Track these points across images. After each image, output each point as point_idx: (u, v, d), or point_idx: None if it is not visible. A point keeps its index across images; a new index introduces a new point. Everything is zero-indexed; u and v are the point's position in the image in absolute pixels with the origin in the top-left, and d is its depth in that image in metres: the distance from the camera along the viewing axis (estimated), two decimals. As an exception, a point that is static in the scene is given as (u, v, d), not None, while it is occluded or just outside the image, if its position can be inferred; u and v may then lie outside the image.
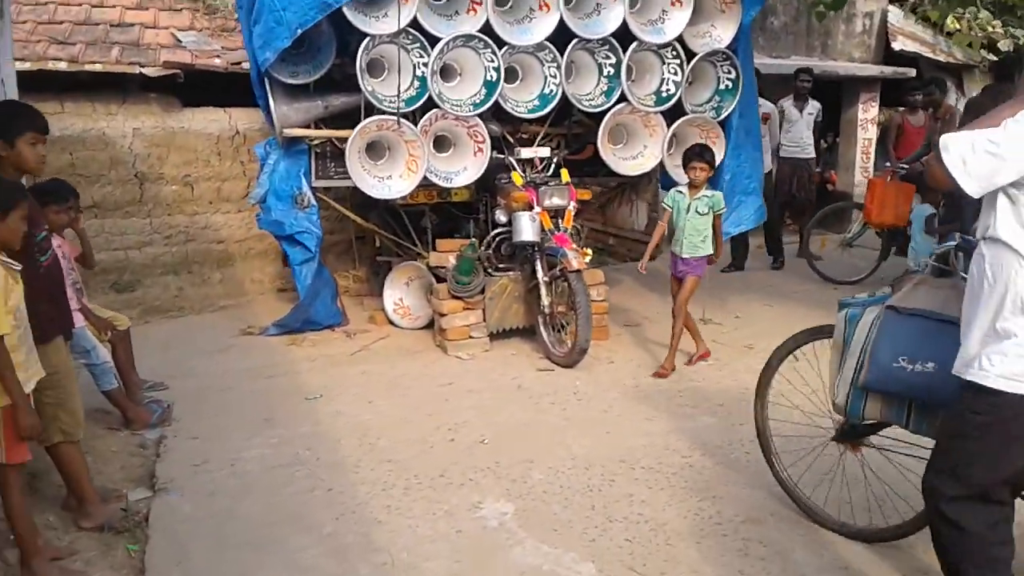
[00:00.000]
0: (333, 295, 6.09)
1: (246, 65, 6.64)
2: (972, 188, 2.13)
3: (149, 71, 6.65)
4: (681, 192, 5.07)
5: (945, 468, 2.33)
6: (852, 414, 2.85)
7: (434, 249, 5.93)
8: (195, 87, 6.94)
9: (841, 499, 3.20)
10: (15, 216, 2.68)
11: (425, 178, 5.45)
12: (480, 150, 5.54)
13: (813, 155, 8.23)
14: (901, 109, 8.35)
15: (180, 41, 7.19)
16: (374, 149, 5.52)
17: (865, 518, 3.12)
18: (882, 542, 3.03)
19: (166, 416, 4.30)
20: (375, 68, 5.32)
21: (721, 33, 5.77)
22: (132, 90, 6.84)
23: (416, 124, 5.31)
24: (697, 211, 4.97)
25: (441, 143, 5.66)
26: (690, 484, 3.58)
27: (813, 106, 8.06)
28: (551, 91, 5.53)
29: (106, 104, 6.78)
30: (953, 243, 2.67)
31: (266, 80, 5.37)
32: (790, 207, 8.41)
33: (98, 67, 6.56)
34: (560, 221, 5.40)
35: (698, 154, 4.95)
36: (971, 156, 2.11)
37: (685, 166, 5.02)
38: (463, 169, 5.60)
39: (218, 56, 7.09)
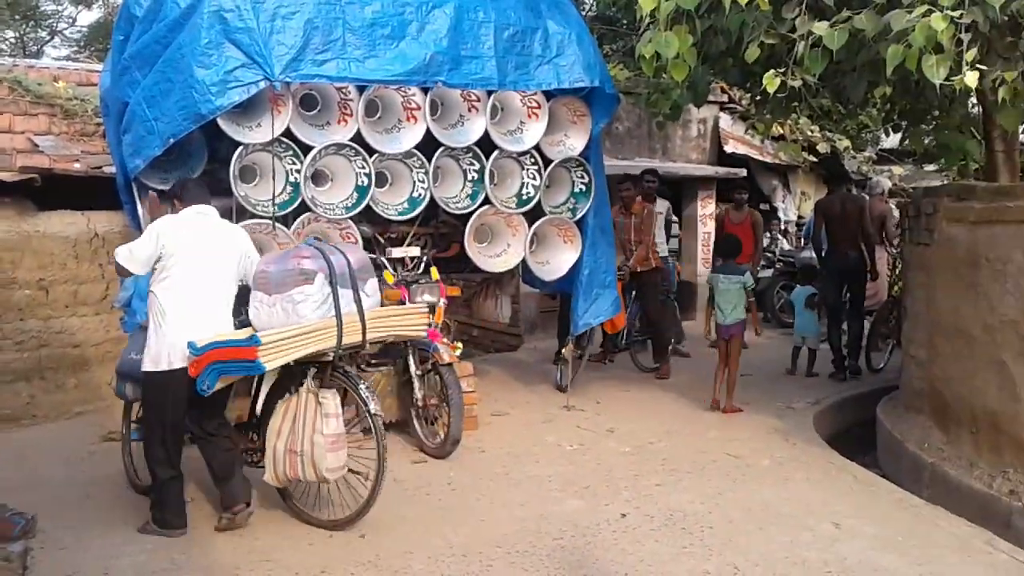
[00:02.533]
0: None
1: (107, 169, 6.62)
2: (138, 270, 4.02)
3: (4, 176, 6.50)
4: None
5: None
6: (119, 394, 4.42)
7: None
8: (53, 191, 6.83)
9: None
10: None
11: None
12: (351, 251, 5.73)
13: (666, 252, 8.44)
14: (725, 206, 9.23)
15: (37, 146, 7.08)
16: (245, 251, 5.61)
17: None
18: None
19: (29, 528, 4.12)
20: (248, 174, 5.46)
21: (574, 142, 6.28)
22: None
23: (289, 227, 5.47)
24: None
25: (313, 244, 5.81)
26: (562, 564, 3.81)
27: (662, 204, 8.34)
28: (419, 194, 5.82)
29: (-49, 209, 6.55)
30: None
31: (134, 185, 5.42)
32: None
33: (-54, 172, 6.37)
34: (431, 317, 5.63)
35: None
36: (131, 254, 3.97)
37: None
38: (335, 269, 5.76)
39: (77, 160, 7.02)
